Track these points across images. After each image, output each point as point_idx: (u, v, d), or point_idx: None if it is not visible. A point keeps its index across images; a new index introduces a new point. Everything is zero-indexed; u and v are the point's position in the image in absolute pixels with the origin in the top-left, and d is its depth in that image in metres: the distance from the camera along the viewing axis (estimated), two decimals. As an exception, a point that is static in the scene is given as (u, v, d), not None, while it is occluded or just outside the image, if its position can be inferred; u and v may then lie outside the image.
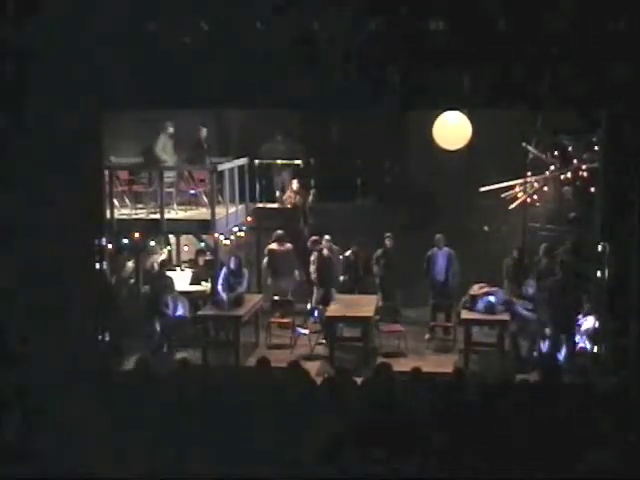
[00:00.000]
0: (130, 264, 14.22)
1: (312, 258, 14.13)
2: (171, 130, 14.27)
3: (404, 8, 10.46)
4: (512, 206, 14.48)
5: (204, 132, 14.90)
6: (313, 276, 14.14)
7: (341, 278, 14.30)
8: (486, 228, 15.09)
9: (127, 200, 14.20)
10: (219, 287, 13.10)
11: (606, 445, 7.04)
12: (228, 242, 14.47)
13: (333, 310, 13.13)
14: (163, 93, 11.05)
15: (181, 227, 14.06)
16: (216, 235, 13.64)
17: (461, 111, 13.09)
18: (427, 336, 13.63)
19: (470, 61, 10.61)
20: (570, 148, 13.97)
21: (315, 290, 14.17)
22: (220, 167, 13.95)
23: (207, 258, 14.27)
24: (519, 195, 14.48)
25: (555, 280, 12.05)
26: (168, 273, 13.73)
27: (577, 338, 12.01)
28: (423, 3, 10.52)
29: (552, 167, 14.22)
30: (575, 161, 13.86)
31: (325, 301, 13.85)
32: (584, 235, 12.73)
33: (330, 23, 10.64)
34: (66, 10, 10.46)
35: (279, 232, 14.37)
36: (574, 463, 6.90)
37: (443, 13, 10.49)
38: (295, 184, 15.60)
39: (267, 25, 10.70)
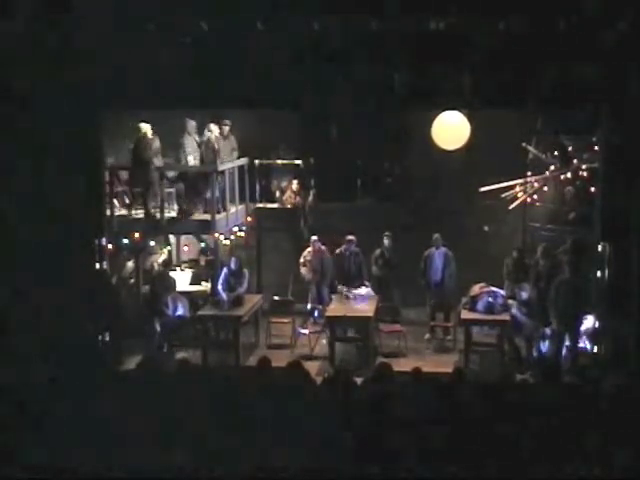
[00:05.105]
0: (130, 264, 14.21)
1: (307, 258, 14.23)
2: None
3: (404, 8, 10.46)
4: (512, 206, 14.47)
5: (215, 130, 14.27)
6: (307, 276, 14.26)
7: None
8: (486, 228, 15.08)
9: (127, 200, 14.20)
10: (219, 287, 13.10)
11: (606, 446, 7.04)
12: (228, 242, 14.48)
13: (333, 310, 13.13)
14: (163, 93, 11.06)
15: (181, 227, 14.07)
16: (216, 235, 13.66)
17: (460, 111, 13.09)
18: (427, 336, 13.64)
19: (470, 61, 10.62)
20: (570, 148, 13.97)
21: (311, 289, 14.27)
22: (220, 167, 13.94)
23: (207, 258, 14.28)
24: (519, 195, 14.48)
25: (562, 279, 12.03)
26: (168, 273, 13.72)
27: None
28: (423, 3, 10.52)
29: (552, 167, 14.22)
30: (575, 161, 13.87)
31: (320, 300, 13.85)
32: (584, 235, 12.72)
33: (330, 23, 10.66)
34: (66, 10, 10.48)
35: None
36: (573, 464, 6.90)
37: (444, 13, 10.50)
38: (295, 184, 15.60)
39: (267, 25, 10.71)
